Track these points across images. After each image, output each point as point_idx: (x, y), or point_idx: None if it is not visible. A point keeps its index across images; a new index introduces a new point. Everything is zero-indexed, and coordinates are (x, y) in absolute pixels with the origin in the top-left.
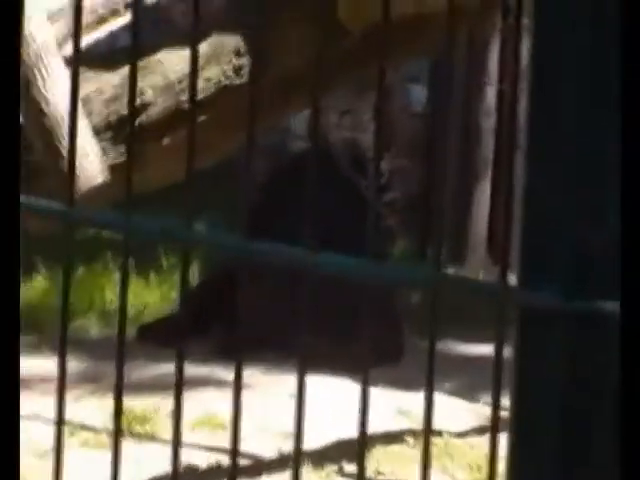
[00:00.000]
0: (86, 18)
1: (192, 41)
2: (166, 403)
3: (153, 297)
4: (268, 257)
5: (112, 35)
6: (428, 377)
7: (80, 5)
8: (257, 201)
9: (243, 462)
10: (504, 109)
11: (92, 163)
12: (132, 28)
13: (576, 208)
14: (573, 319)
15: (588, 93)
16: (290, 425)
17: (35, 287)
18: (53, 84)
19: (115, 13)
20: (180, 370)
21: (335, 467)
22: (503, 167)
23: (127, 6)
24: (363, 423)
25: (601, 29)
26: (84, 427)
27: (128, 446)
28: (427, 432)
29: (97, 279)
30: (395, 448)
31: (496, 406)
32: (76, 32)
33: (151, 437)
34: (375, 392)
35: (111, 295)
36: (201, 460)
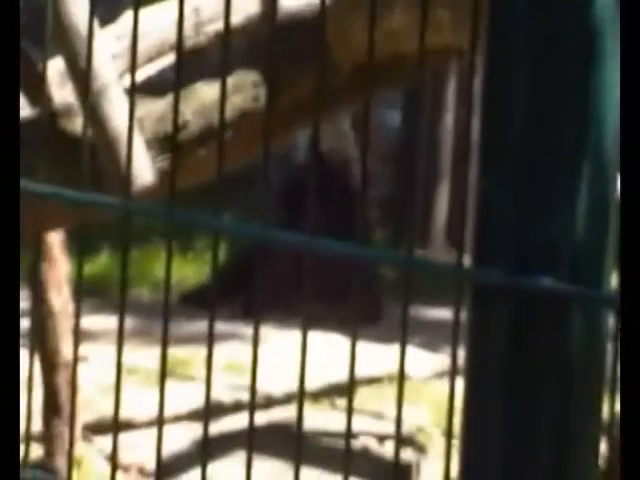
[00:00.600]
0: (140, 58)
1: (222, 75)
2: (201, 352)
3: (190, 271)
4: (279, 241)
5: (160, 70)
6: (402, 334)
7: (136, 48)
8: (281, 197)
9: (258, 398)
10: (459, 128)
11: (144, 168)
12: (176, 65)
13: (517, 205)
14: (515, 293)
15: (529, 118)
16: (295, 370)
17: (100, 262)
18: (115, 107)
19: (161, 53)
20: (212, 326)
21: (328, 402)
22: (459, 173)
23: (170, 47)
24: (352, 368)
25: (539, 64)
26: (137, 369)
27: (171, 384)
28: (401, 376)
29: (148, 257)
30: (375, 387)
31: (454, 358)
32: (132, 68)
33: (189, 378)
34: (361, 345)
35: (158, 269)
36: (226, 396)
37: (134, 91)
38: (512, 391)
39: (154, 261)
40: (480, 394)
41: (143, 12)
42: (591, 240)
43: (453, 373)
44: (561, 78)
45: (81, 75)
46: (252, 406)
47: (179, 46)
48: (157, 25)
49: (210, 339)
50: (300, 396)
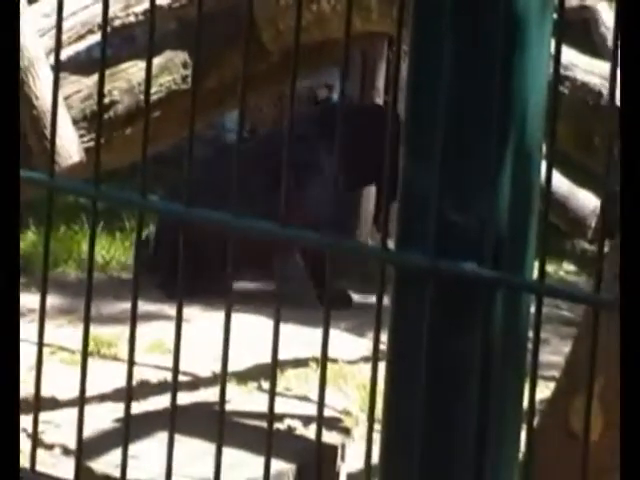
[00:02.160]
0: (68, 34)
1: (148, 54)
2: (126, 332)
3: (118, 251)
4: (203, 221)
5: (88, 48)
6: (325, 317)
7: (61, 25)
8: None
9: (184, 379)
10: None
11: (70, 146)
12: (102, 43)
13: (441, 190)
14: (438, 276)
15: (453, 104)
16: (219, 350)
17: (26, 239)
18: (41, 83)
19: (91, 31)
20: (135, 306)
21: (255, 384)
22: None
23: (99, 26)
24: (275, 350)
25: (463, 50)
26: (62, 348)
27: (96, 364)
28: (324, 358)
29: (75, 236)
30: (301, 371)
31: (377, 341)
32: (58, 44)
33: (114, 357)
34: (288, 328)
35: (85, 248)
36: (151, 376)
37: (59, 68)
38: (434, 374)
39: (81, 239)
40: (402, 378)
41: None
42: (514, 226)
43: (375, 357)
44: (485, 64)
45: None
46: (175, 386)
47: (105, 24)
48: (86, 2)
49: (133, 319)
50: (223, 376)
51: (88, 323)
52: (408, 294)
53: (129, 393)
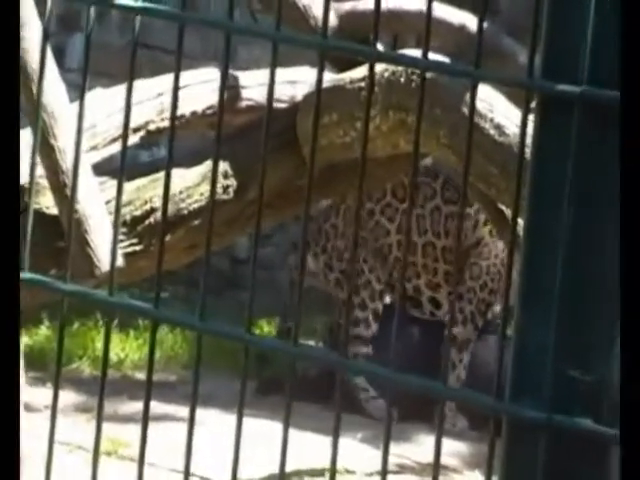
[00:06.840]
0: (103, 136)
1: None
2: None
3: (132, 348)
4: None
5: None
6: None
7: (128, 124)
8: None
9: None
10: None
11: (109, 252)
12: (169, 150)
13: (558, 345)
14: (552, 429)
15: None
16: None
17: (40, 334)
18: (81, 186)
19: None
20: (147, 406)
21: None
22: None
23: (134, 130)
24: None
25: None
26: (80, 447)
27: (113, 465)
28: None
29: (89, 332)
30: None
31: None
32: (124, 145)
33: (131, 459)
34: (305, 436)
35: (99, 345)
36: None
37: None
38: None
39: (95, 335)
40: None
41: (110, 91)
42: None
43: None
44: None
45: (49, 151)
46: None
47: (172, 129)
48: (121, 105)
49: (145, 419)
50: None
51: (100, 422)
52: (521, 445)
53: None
